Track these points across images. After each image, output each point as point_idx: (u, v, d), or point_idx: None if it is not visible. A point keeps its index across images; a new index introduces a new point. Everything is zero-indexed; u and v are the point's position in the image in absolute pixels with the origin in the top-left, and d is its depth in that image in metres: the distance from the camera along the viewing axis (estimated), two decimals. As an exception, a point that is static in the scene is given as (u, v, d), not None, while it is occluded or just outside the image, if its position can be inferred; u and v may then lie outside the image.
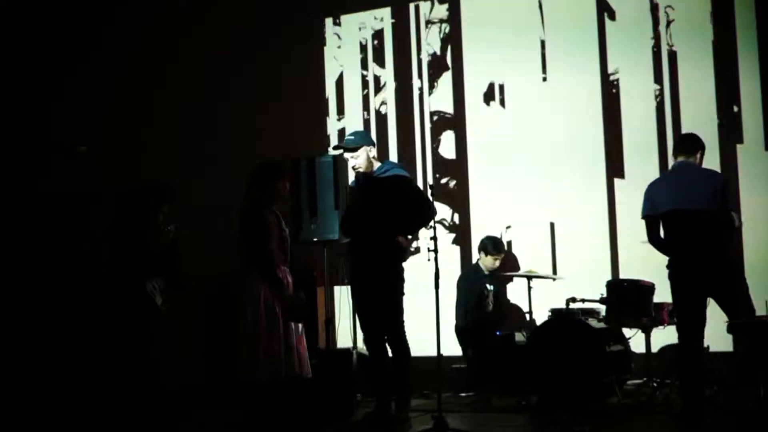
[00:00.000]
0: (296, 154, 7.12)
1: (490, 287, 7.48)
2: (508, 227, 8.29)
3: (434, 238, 5.92)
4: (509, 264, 7.88)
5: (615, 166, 7.99)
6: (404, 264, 6.21)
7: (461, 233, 8.48)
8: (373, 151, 6.20)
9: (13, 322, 7.69)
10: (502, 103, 8.35)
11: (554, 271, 7.94)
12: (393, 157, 8.57)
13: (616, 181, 8.00)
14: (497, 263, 7.70)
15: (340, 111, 8.86)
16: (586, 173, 8.05)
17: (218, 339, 7.45)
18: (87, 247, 7.29)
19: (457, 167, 8.52)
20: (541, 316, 7.12)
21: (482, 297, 7.33)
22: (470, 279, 7.73)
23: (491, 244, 7.71)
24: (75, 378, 7.25)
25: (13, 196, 8.15)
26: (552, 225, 8.15)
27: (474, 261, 7.94)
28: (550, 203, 8.14)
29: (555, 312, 6.97)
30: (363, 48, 8.74)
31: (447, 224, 8.39)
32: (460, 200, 8.46)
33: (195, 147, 8.33)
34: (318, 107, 8.63)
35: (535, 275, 7.26)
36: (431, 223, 6.04)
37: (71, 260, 7.51)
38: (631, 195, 7.34)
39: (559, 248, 8.11)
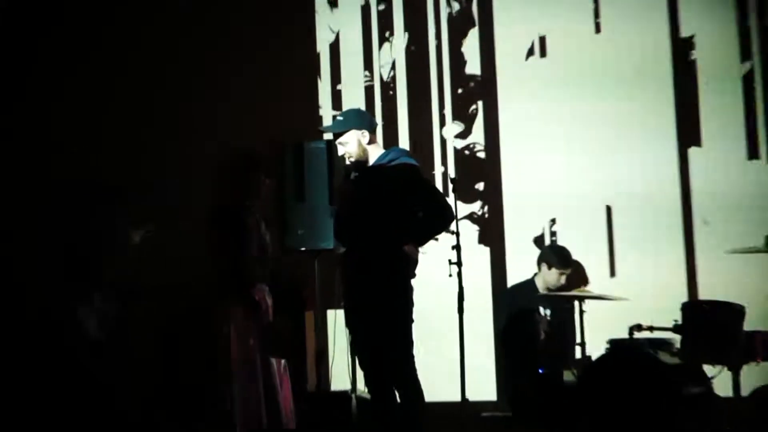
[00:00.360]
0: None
1: (545, 311, 6.81)
2: (553, 221, 7.71)
3: (457, 247, 5.54)
4: (572, 277, 7.30)
5: (690, 134, 7.50)
6: (413, 280, 5.61)
7: (491, 229, 7.91)
8: (368, 136, 5.65)
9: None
10: (543, 59, 7.85)
11: (612, 272, 7.52)
12: (404, 141, 7.98)
13: (692, 151, 7.51)
14: (563, 280, 7.09)
15: (336, 80, 8.46)
16: (652, 143, 7.53)
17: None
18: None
19: (487, 146, 7.99)
20: (596, 349, 6.53)
21: (531, 322, 6.66)
22: (519, 296, 7.15)
23: (557, 256, 7.13)
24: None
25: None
26: (608, 210, 7.59)
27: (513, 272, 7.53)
28: (605, 185, 7.63)
29: (615, 344, 6.45)
30: (365, 7, 8.44)
31: (477, 215, 7.92)
32: (490, 187, 7.93)
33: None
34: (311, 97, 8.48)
35: (589, 295, 6.64)
36: (452, 228, 5.63)
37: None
38: (711, 167, 7.19)
39: (619, 245, 7.58)
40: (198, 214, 6.56)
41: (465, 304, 5.59)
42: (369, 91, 8.28)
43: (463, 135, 8.02)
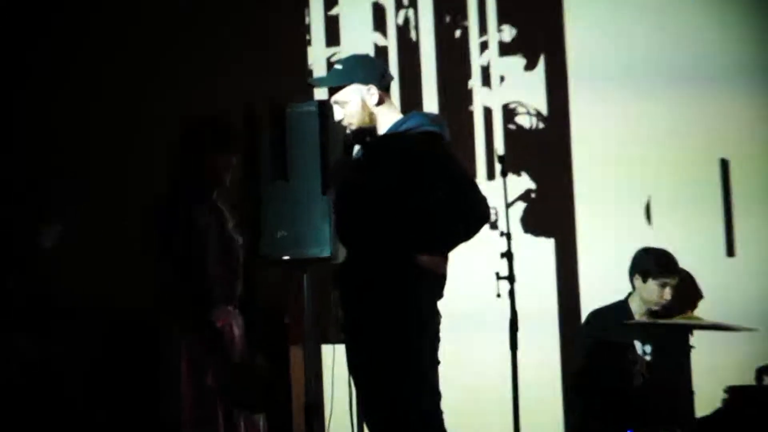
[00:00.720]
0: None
1: (643, 347, 5.88)
2: (648, 203, 6.72)
3: (508, 255, 4.82)
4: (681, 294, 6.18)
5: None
6: (439, 302, 4.76)
7: (557, 217, 7.02)
8: (377, 94, 4.84)
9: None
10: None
11: (729, 250, 6.70)
12: (430, 105, 6.83)
13: None
14: (667, 294, 6.02)
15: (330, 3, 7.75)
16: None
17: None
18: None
19: (551, 108, 7.05)
20: (708, 400, 5.62)
21: (621, 362, 5.82)
22: (606, 326, 6.11)
23: (655, 261, 6.08)
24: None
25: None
26: (725, 164, 6.65)
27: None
28: (720, 134, 6.54)
29: (735, 392, 5.57)
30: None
31: (533, 192, 6.94)
32: (555, 158, 6.97)
33: (131, 111, 7.90)
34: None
35: (700, 324, 5.64)
36: (502, 227, 4.97)
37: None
38: None
39: (738, 216, 6.52)
40: (137, 207, 5.62)
41: (520, 335, 4.76)
42: (378, 11, 7.16)
43: (530, 67, 7.03)
